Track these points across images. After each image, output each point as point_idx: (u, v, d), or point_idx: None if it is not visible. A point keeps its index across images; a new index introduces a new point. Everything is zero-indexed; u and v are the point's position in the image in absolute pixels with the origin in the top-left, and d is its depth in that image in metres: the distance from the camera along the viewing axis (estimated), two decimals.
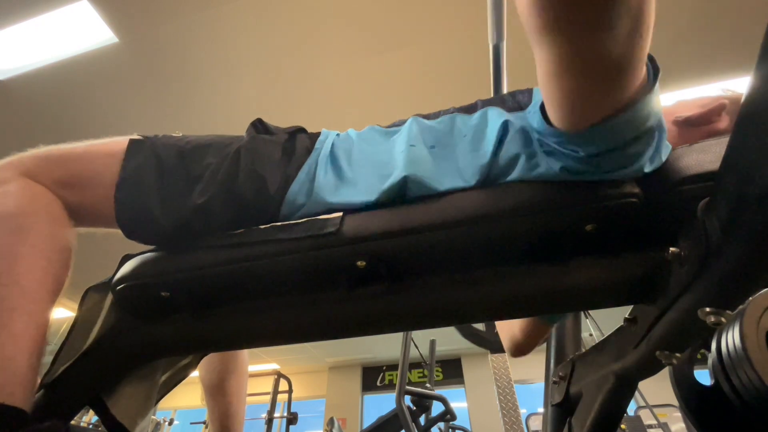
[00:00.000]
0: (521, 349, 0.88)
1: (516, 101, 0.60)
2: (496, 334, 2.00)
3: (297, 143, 0.64)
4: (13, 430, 0.45)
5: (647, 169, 0.43)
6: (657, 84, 0.39)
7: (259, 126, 0.67)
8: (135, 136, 0.63)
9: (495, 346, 2.12)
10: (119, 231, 0.59)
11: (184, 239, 0.57)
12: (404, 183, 0.52)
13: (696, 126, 0.60)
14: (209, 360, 0.91)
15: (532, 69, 0.40)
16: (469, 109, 0.63)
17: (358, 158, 0.60)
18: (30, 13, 1.99)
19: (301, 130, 0.69)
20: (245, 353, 0.97)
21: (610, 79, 0.35)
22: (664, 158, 0.45)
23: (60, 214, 0.58)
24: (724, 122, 0.60)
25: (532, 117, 0.49)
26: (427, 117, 0.65)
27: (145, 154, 0.60)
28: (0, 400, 0.45)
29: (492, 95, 1.75)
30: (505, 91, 1.67)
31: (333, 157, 0.61)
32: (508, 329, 0.90)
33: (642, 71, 0.36)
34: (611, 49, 0.33)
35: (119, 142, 0.62)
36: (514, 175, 0.49)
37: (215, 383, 0.90)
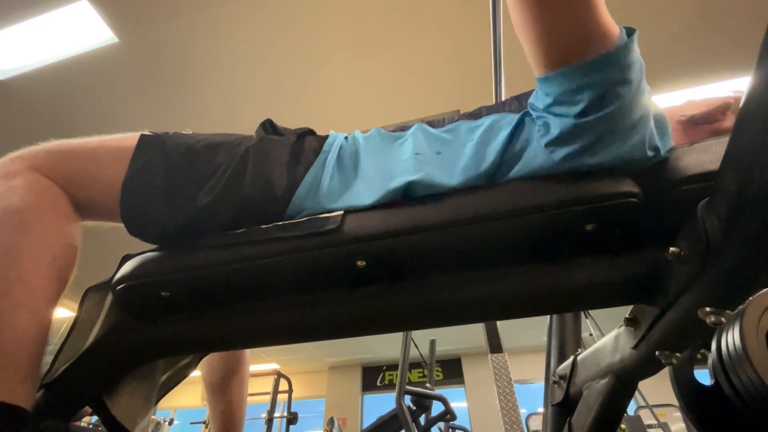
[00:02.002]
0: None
1: (520, 105, 0.60)
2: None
3: (305, 145, 0.63)
4: (15, 429, 0.45)
5: (649, 153, 0.45)
6: (620, 55, 0.42)
7: (268, 127, 0.67)
8: (146, 132, 0.62)
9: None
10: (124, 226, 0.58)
11: (186, 239, 0.57)
12: (408, 186, 0.52)
13: (700, 124, 0.60)
14: (211, 359, 0.91)
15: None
16: (474, 116, 0.63)
17: (364, 165, 0.60)
18: (30, 13, 1.99)
19: (310, 132, 0.69)
20: (247, 353, 0.97)
21: (559, 32, 0.43)
22: (663, 150, 0.46)
23: (66, 209, 0.57)
24: (730, 121, 0.59)
25: (534, 98, 0.52)
26: (431, 124, 0.65)
27: (154, 151, 0.59)
28: (1, 398, 0.45)
29: (492, 94, 1.76)
30: (503, 89, 1.68)
31: (340, 162, 0.61)
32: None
33: (592, 37, 0.42)
34: (548, 13, 0.42)
35: (130, 138, 0.61)
36: (518, 168, 0.50)
37: (217, 382, 0.91)
